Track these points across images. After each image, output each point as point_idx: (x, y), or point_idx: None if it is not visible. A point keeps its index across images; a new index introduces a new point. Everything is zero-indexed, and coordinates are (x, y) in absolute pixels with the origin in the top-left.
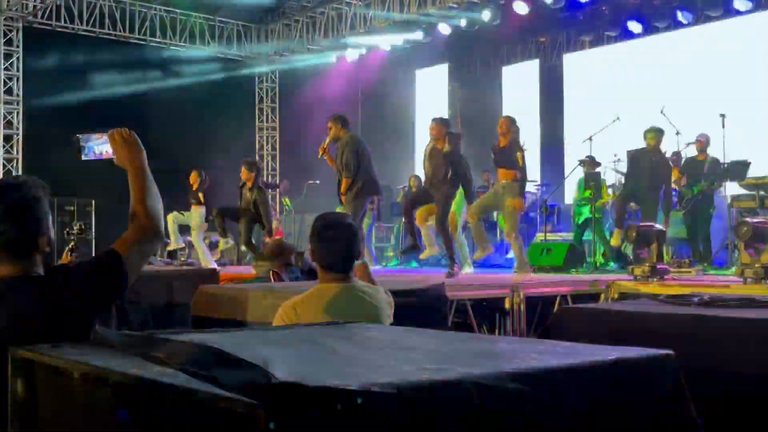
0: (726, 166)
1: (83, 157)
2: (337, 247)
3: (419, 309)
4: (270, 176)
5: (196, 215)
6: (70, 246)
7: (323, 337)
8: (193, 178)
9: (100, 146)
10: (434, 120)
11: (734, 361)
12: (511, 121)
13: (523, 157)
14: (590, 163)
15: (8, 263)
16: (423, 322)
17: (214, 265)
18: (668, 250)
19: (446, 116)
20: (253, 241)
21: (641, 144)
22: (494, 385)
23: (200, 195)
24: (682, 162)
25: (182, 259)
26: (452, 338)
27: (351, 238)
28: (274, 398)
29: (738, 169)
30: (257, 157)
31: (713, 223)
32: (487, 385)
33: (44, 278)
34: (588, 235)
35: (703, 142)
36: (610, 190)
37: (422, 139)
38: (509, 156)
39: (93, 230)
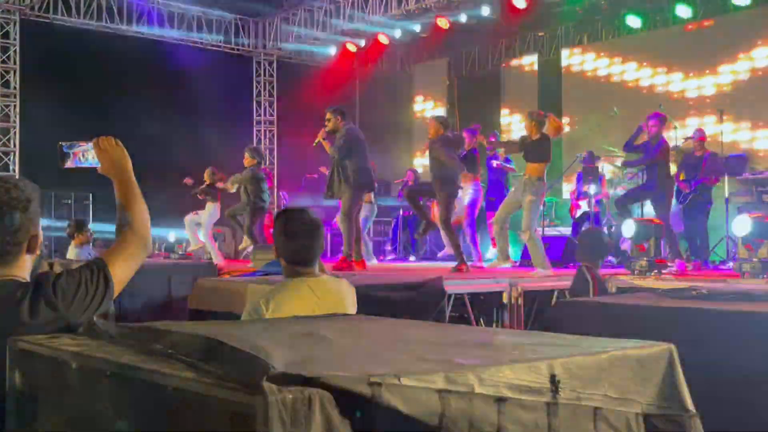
0: (724, 161)
1: (67, 166)
2: (300, 241)
3: (417, 303)
4: (268, 168)
5: (208, 211)
6: None
7: (321, 328)
8: (207, 175)
9: (84, 154)
10: (431, 117)
11: (732, 354)
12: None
13: (545, 144)
14: (589, 158)
15: None
16: (421, 316)
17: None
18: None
19: (445, 110)
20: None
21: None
22: (494, 376)
23: (218, 189)
24: (681, 157)
25: (180, 252)
26: (450, 330)
27: (314, 232)
28: (274, 388)
29: (736, 165)
30: None
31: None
32: (486, 376)
33: (29, 284)
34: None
35: (701, 138)
36: (608, 185)
37: (420, 133)
38: (540, 149)
39: (90, 224)
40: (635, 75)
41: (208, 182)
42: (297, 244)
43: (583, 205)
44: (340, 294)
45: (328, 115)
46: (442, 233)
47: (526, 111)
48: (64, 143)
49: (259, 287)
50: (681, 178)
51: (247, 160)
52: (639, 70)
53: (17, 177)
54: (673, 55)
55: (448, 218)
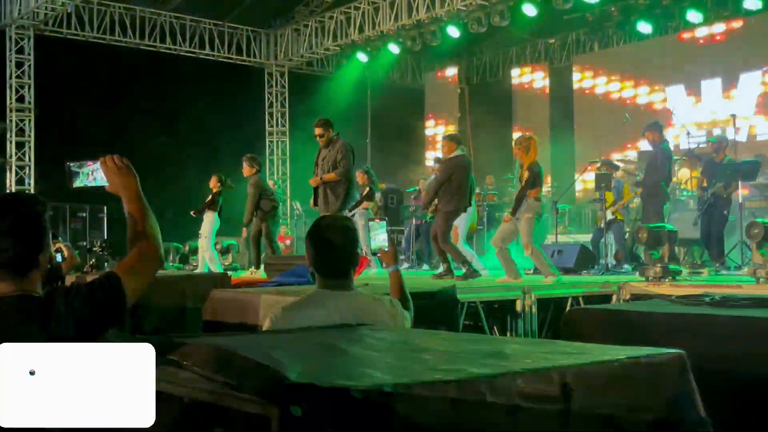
0: (737, 166)
1: (75, 185)
2: (330, 251)
3: (431, 311)
4: (281, 180)
5: (207, 221)
6: None
7: (335, 339)
8: (213, 183)
9: (92, 173)
10: (444, 137)
11: (745, 360)
12: (519, 141)
13: (529, 176)
14: (606, 165)
15: (7, 281)
16: (435, 325)
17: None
18: (680, 250)
19: (456, 117)
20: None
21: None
22: (505, 385)
23: (219, 200)
24: (701, 163)
25: (194, 264)
26: (463, 339)
27: (346, 242)
28: (287, 399)
29: (749, 169)
30: (267, 162)
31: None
32: (498, 385)
33: (43, 298)
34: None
35: (720, 144)
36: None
37: (432, 142)
38: (535, 181)
39: (105, 236)
40: (646, 80)
41: (216, 190)
42: (326, 254)
43: (607, 214)
44: (371, 312)
45: (318, 130)
46: (440, 248)
47: (515, 139)
48: (71, 163)
49: (272, 298)
50: (704, 185)
51: (247, 169)
52: (649, 76)
53: (26, 192)
54: (683, 60)
55: (447, 233)
